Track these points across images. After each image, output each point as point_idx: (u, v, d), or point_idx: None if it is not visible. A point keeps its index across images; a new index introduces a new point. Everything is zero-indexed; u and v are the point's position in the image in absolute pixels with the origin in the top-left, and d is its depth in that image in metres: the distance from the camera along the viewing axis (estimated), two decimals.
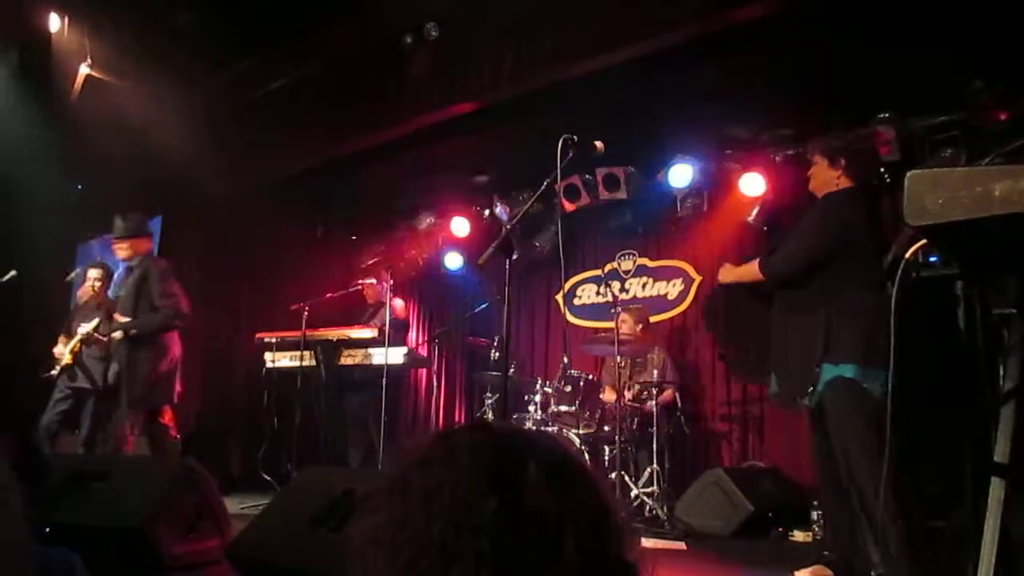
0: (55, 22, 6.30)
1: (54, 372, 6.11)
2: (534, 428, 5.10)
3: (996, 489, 1.60)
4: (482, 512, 0.75)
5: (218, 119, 6.82)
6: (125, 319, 5.27)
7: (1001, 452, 1.62)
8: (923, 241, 1.82)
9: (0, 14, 6.49)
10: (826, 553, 3.47)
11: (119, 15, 6.17)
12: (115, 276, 5.58)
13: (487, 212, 7.64)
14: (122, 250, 5.39)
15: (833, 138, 3.58)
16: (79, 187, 7.85)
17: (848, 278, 3.26)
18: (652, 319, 6.47)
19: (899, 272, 1.99)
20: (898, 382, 2.22)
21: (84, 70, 6.37)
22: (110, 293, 5.48)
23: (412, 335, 7.95)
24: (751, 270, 3.60)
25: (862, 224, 3.33)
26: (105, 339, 6.00)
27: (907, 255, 1.94)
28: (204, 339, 8.00)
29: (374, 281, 6.84)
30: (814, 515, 4.81)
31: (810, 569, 3.39)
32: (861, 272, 3.25)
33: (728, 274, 3.80)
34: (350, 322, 6.59)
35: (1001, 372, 1.75)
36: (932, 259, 2.14)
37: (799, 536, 4.77)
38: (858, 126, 5.38)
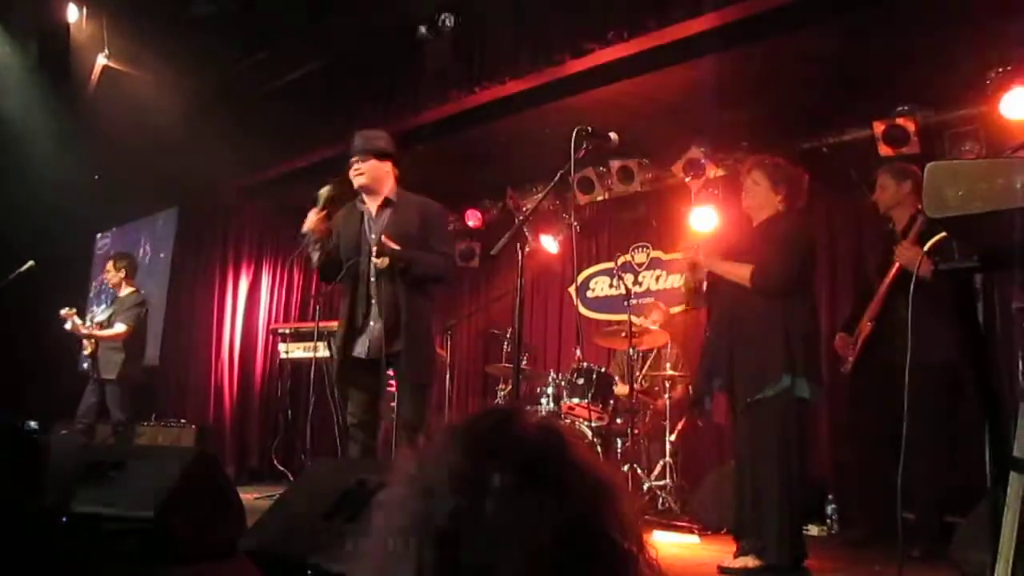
0: (73, 13, 6.34)
1: (86, 365, 6.20)
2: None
3: (1015, 484, 1.58)
4: (440, 515, 0.71)
5: (234, 110, 6.84)
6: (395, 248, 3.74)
7: (1020, 447, 1.61)
8: (943, 234, 1.80)
9: (19, 5, 6.53)
10: (741, 542, 3.54)
11: (136, 5, 6.19)
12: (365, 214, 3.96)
13: (501, 204, 7.64)
14: (359, 175, 3.90)
15: (774, 165, 3.69)
16: (96, 178, 7.90)
17: (805, 295, 3.54)
18: (669, 310, 6.46)
19: (917, 267, 1.98)
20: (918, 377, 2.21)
21: (102, 61, 6.40)
22: (372, 235, 3.88)
23: None
24: (739, 273, 3.52)
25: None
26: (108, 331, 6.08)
27: (926, 247, 1.92)
28: (219, 330, 8.06)
29: None
30: (829, 508, 4.79)
31: (739, 560, 3.45)
32: (810, 291, 3.59)
33: (716, 263, 3.67)
34: None
35: (1020, 366, 1.73)
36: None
37: (814, 530, 4.75)
38: (876, 119, 5.35)
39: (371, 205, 3.94)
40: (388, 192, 3.94)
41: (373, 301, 3.84)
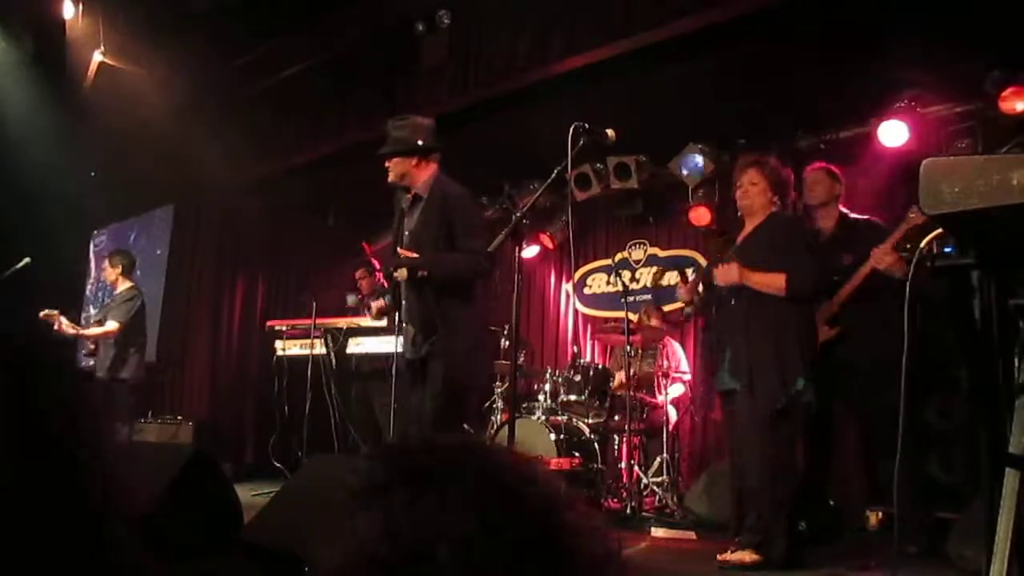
0: (69, 9, 6.30)
1: (92, 362, 6.16)
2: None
3: (1011, 480, 1.59)
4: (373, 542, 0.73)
5: (231, 106, 6.82)
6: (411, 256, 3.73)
7: (1016, 443, 1.61)
8: (938, 230, 1.80)
9: (15, 1, 6.50)
10: (738, 538, 3.56)
11: (133, 1, 6.16)
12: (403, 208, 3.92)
13: (498, 201, 7.63)
14: (390, 169, 3.82)
15: (770, 165, 3.79)
16: (92, 175, 7.88)
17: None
18: (663, 308, 6.46)
19: (913, 262, 1.98)
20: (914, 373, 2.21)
21: (98, 57, 6.37)
22: (405, 232, 3.89)
23: None
24: (774, 284, 3.53)
25: None
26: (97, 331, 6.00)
27: (922, 244, 1.92)
28: (216, 327, 8.05)
29: (370, 271, 6.76)
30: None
31: (737, 555, 3.47)
32: None
33: (750, 277, 3.59)
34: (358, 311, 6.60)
35: (1016, 363, 1.73)
36: (947, 249, 2.12)
37: None
38: (873, 116, 5.35)
39: (406, 200, 3.89)
40: (418, 188, 3.82)
41: (403, 303, 3.84)
